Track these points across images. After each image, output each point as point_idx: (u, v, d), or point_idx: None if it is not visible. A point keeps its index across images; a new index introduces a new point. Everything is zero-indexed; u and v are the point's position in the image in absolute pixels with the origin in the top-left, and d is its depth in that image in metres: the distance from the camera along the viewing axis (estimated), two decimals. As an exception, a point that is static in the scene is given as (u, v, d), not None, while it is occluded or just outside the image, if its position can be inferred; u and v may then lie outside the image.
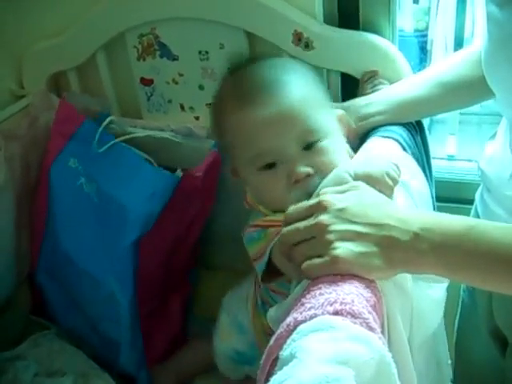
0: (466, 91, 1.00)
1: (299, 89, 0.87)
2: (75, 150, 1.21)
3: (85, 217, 1.20)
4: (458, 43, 1.47)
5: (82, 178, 1.20)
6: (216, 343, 1.13)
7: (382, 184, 0.75)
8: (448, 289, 0.84)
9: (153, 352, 1.24)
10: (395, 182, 0.76)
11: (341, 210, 0.68)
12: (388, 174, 0.76)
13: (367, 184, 0.74)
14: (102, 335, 1.23)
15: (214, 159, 1.19)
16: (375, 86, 1.08)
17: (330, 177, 0.78)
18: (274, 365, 0.59)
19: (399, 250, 0.65)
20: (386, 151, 0.96)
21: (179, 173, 1.17)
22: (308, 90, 0.89)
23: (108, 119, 1.21)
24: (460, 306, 1.12)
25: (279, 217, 0.83)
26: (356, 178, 0.75)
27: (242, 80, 0.90)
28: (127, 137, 1.20)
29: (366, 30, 1.13)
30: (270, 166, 0.85)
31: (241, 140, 0.87)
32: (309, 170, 0.83)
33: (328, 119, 0.89)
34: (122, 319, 1.18)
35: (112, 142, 1.18)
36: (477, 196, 1.02)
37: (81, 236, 1.20)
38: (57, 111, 1.23)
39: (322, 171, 0.83)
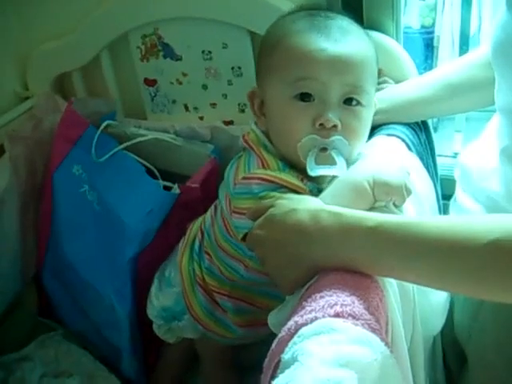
0: (474, 94, 0.99)
1: (369, 53, 0.88)
2: (79, 157, 1.20)
3: (87, 225, 1.20)
4: (464, 40, 1.46)
5: (86, 186, 1.20)
6: (148, 310, 1.11)
7: (399, 195, 0.77)
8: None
9: (153, 358, 1.24)
10: (409, 193, 0.78)
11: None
12: (405, 186, 0.77)
13: (384, 193, 0.76)
14: (105, 340, 1.24)
15: (212, 167, 1.19)
16: (380, 84, 1.07)
17: (349, 181, 0.79)
18: (276, 368, 0.59)
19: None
20: (393, 151, 0.95)
21: (176, 189, 1.15)
22: (374, 62, 0.89)
23: (104, 124, 1.20)
24: None
25: (281, 175, 0.83)
26: (375, 185, 0.76)
27: (320, 15, 0.88)
28: (128, 144, 1.20)
29: (370, 27, 1.11)
30: (305, 98, 0.84)
31: (295, 59, 0.84)
32: (338, 122, 0.82)
33: (373, 96, 0.90)
34: (121, 328, 1.18)
35: (112, 152, 1.17)
36: (450, 204, 1.01)
37: (83, 244, 1.20)
38: (62, 116, 1.23)
39: (346, 133, 0.83)
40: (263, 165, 0.86)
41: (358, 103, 0.85)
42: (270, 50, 0.89)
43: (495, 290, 0.61)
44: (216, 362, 1.16)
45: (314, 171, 0.82)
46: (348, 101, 0.85)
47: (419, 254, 0.62)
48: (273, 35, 0.90)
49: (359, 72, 0.84)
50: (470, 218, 0.64)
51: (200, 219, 1.06)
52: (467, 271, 0.60)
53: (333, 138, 0.82)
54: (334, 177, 0.83)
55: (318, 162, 0.82)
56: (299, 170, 0.85)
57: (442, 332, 0.98)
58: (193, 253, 1.04)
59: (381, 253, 0.64)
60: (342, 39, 0.84)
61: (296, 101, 0.84)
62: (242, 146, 0.93)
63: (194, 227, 1.07)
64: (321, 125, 0.82)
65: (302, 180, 0.84)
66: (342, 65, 0.83)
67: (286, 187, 0.81)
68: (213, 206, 1.03)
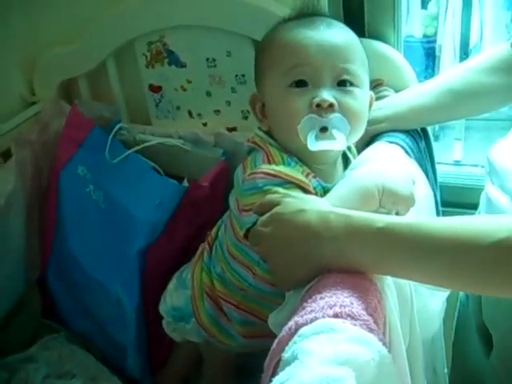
0: (476, 99, 1.01)
1: (355, 41, 0.92)
2: (84, 158, 1.22)
3: (93, 223, 1.22)
4: (465, 49, 1.48)
5: (91, 186, 1.22)
6: (160, 305, 1.12)
7: (404, 205, 0.79)
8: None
9: (159, 357, 1.25)
10: (413, 204, 0.80)
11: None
12: (412, 196, 0.79)
13: (391, 202, 0.78)
14: (109, 339, 1.25)
15: (221, 169, 1.21)
16: (379, 92, 1.09)
17: (358, 185, 0.80)
18: (276, 367, 0.61)
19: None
20: (399, 159, 0.97)
21: (186, 182, 1.18)
22: (361, 50, 0.92)
23: (117, 126, 1.23)
24: (458, 307, 1.13)
25: (286, 169, 0.84)
26: (384, 193, 0.78)
27: (307, 16, 0.92)
28: (138, 148, 1.22)
29: (371, 37, 1.13)
30: (300, 84, 0.86)
31: (286, 50, 0.88)
32: (334, 101, 0.84)
33: (366, 81, 0.92)
34: (128, 325, 1.20)
35: (124, 155, 1.20)
36: (481, 197, 1.02)
37: (89, 242, 1.22)
38: (67, 118, 1.25)
39: (344, 113, 0.85)
40: (268, 159, 0.87)
41: (352, 84, 0.88)
42: (263, 52, 0.93)
43: (503, 288, 0.62)
44: (218, 367, 1.17)
45: (315, 146, 0.83)
46: (342, 83, 0.87)
47: (427, 254, 0.64)
48: (264, 42, 0.95)
49: (348, 55, 0.88)
50: (477, 218, 0.65)
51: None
52: (476, 270, 0.62)
53: (331, 115, 0.84)
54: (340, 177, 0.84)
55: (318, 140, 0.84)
56: (305, 164, 0.87)
57: (473, 316, 1.01)
58: (203, 263, 1.06)
59: (389, 253, 0.66)
60: (328, 29, 0.89)
61: (291, 88, 0.87)
62: (246, 150, 0.95)
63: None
64: (318, 106, 0.84)
65: (306, 176, 0.85)
66: (330, 48, 0.86)
67: (290, 182, 0.82)
68: (225, 216, 1.04)
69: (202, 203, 1.20)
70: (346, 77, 0.87)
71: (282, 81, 0.87)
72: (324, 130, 0.84)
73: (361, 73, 0.89)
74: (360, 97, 0.88)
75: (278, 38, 0.90)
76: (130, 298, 1.18)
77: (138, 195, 1.16)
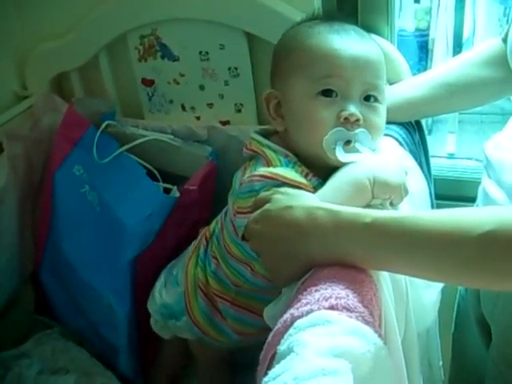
0: (471, 92, 1.01)
1: (381, 54, 0.92)
2: (80, 157, 1.21)
3: (87, 225, 1.21)
4: (457, 42, 1.48)
5: (86, 186, 1.20)
6: (148, 303, 1.12)
7: (397, 195, 0.80)
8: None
9: (150, 356, 1.24)
10: (407, 194, 0.80)
11: None
12: (404, 186, 0.79)
13: (383, 191, 0.78)
14: (102, 338, 1.24)
15: (209, 169, 1.20)
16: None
17: (350, 177, 0.81)
18: (272, 360, 0.60)
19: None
20: (391, 150, 0.97)
21: (176, 192, 1.17)
22: (384, 63, 0.92)
23: (104, 124, 1.22)
24: (457, 299, 1.13)
25: (284, 172, 0.84)
26: (375, 183, 0.78)
27: (335, 20, 0.92)
28: (130, 145, 1.21)
29: (364, 30, 1.13)
30: (328, 94, 0.86)
31: (320, 57, 0.87)
32: (361, 116, 0.85)
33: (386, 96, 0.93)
34: (119, 328, 1.19)
35: (114, 154, 1.18)
36: (479, 191, 1.02)
37: (82, 244, 1.21)
38: (63, 116, 1.24)
39: (367, 128, 0.86)
40: (267, 164, 0.88)
41: (376, 100, 0.88)
42: (288, 52, 0.91)
43: (491, 280, 0.62)
44: (210, 362, 1.17)
45: (344, 157, 0.84)
46: (367, 98, 0.88)
47: (415, 247, 0.64)
48: (290, 40, 0.93)
49: (377, 70, 0.89)
50: (464, 211, 0.65)
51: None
52: (462, 262, 0.62)
53: (357, 130, 0.85)
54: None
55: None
56: (310, 165, 0.87)
57: (472, 309, 1.01)
58: (198, 258, 1.05)
59: (377, 247, 0.66)
60: (360, 40, 0.89)
61: (320, 96, 0.86)
62: (246, 157, 0.94)
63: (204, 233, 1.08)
64: (345, 119, 0.85)
65: (306, 175, 0.85)
66: (363, 63, 0.87)
67: (286, 184, 0.82)
68: (222, 213, 1.04)
69: (191, 206, 1.19)
70: (373, 92, 0.88)
71: (311, 87, 0.87)
72: (348, 143, 0.85)
73: (384, 88, 0.90)
74: (382, 113, 0.90)
75: (309, 41, 0.89)
76: (121, 306, 1.17)
77: (130, 203, 1.15)
